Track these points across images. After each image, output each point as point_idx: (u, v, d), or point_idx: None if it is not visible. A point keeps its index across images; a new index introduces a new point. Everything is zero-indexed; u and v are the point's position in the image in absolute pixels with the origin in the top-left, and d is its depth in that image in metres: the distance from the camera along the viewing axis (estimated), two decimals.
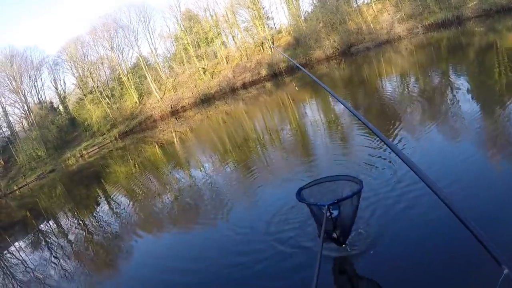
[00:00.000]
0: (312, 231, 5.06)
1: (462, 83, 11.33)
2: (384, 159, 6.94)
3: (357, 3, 37.65)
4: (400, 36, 30.18)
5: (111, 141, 36.40)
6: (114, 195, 13.87)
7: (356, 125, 10.13)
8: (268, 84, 32.81)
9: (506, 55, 13.09)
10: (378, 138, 8.15)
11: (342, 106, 12.95)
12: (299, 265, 4.61)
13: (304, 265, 4.54)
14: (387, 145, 1.57)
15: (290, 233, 5.38)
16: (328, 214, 3.95)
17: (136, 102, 42.41)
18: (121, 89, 43.39)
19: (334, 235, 4.26)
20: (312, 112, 15.53)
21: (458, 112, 8.60)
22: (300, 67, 2.57)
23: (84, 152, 35.54)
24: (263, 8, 40.83)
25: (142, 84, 43.07)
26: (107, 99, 42.28)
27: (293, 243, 5.14)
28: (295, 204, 5.67)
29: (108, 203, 13.01)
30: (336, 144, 9.80)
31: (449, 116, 8.61)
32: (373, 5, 35.54)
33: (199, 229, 7.19)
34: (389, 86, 15.46)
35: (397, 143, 7.62)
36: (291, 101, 20.30)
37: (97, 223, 10.78)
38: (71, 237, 10.26)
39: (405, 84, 14.67)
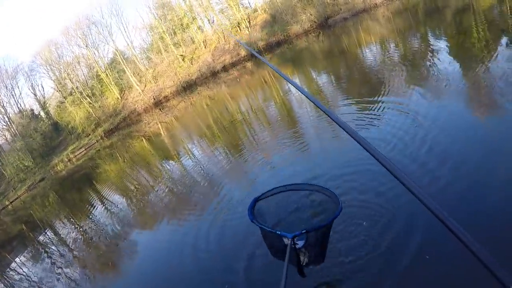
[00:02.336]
0: None
1: (441, 45, 11.31)
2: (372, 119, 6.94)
3: None
4: (376, 4, 29.83)
5: (97, 141, 35.84)
6: (106, 195, 13.77)
7: (340, 94, 10.17)
8: (249, 64, 32.47)
9: (484, 15, 12.98)
10: (360, 108, 8.19)
11: (325, 78, 12.89)
12: None
13: None
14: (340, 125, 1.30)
15: None
16: (292, 244, 3.13)
17: (118, 98, 41.68)
18: (101, 86, 42.53)
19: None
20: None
21: (440, 73, 8.58)
22: (255, 53, 2.45)
23: (71, 155, 34.94)
24: None
25: (122, 79, 42.25)
26: (88, 99, 41.49)
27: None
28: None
29: (102, 203, 12.89)
30: (321, 114, 9.76)
31: (432, 78, 8.60)
32: None
33: (198, 221, 7.02)
34: (370, 54, 15.36)
35: (382, 109, 7.62)
36: (273, 78, 20.12)
37: (94, 225, 10.68)
38: (70, 243, 10.15)
39: (385, 51, 14.60)
